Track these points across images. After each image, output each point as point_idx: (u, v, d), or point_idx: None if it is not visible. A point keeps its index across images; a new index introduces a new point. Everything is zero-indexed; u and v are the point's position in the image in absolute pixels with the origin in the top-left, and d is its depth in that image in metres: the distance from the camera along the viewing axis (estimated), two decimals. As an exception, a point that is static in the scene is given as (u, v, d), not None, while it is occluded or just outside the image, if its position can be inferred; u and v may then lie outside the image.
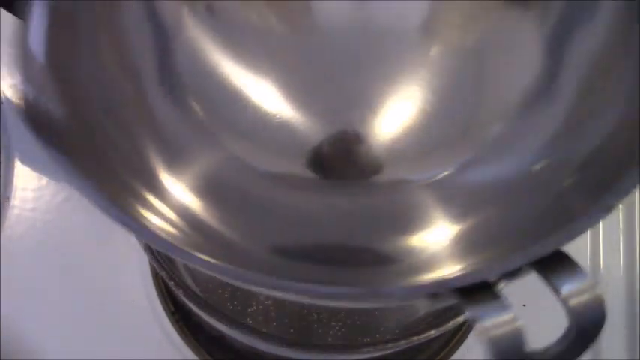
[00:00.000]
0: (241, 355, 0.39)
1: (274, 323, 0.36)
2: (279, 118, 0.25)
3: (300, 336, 0.36)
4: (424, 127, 0.25)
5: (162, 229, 0.21)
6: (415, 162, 0.25)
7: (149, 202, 0.22)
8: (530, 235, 0.21)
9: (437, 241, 0.24)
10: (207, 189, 0.24)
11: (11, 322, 0.38)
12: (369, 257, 0.24)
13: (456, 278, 0.18)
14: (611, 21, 0.22)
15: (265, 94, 0.24)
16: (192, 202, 0.23)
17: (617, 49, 0.22)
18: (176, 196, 0.23)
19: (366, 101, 0.24)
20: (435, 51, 0.24)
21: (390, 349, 0.30)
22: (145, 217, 0.21)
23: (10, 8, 0.24)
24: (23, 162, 0.42)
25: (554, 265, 0.18)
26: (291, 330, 0.36)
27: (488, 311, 0.17)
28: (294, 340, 0.32)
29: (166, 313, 0.39)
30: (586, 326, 0.18)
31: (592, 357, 0.40)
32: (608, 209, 0.18)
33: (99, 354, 0.38)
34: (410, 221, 0.24)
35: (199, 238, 0.23)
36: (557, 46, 0.24)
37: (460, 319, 0.29)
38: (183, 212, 0.23)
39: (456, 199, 0.25)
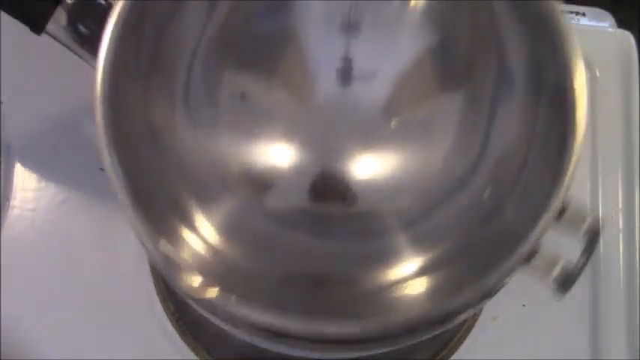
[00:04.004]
0: (241, 355, 0.39)
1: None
2: (283, 165, 0.32)
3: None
4: (389, 173, 0.33)
5: (194, 260, 0.28)
6: (385, 200, 0.33)
7: (182, 234, 0.28)
8: (486, 263, 0.27)
9: (407, 276, 0.30)
10: (229, 228, 0.30)
11: (11, 322, 0.38)
12: (352, 287, 0.30)
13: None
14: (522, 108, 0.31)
15: (275, 149, 0.32)
16: (216, 239, 0.30)
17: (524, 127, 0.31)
18: (205, 234, 0.29)
19: (348, 151, 0.32)
20: (394, 121, 0.33)
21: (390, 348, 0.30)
22: (179, 246, 0.27)
23: (31, 25, 0.30)
24: (23, 162, 0.42)
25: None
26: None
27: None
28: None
29: (166, 313, 0.39)
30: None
31: (592, 357, 0.40)
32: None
33: (99, 354, 0.38)
34: (386, 258, 0.31)
35: (222, 269, 0.29)
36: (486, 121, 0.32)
37: (460, 318, 0.29)
38: (211, 248, 0.29)
39: (423, 236, 0.31)
